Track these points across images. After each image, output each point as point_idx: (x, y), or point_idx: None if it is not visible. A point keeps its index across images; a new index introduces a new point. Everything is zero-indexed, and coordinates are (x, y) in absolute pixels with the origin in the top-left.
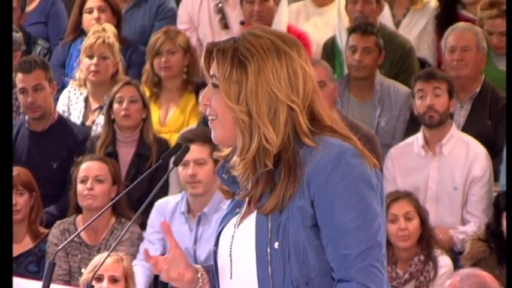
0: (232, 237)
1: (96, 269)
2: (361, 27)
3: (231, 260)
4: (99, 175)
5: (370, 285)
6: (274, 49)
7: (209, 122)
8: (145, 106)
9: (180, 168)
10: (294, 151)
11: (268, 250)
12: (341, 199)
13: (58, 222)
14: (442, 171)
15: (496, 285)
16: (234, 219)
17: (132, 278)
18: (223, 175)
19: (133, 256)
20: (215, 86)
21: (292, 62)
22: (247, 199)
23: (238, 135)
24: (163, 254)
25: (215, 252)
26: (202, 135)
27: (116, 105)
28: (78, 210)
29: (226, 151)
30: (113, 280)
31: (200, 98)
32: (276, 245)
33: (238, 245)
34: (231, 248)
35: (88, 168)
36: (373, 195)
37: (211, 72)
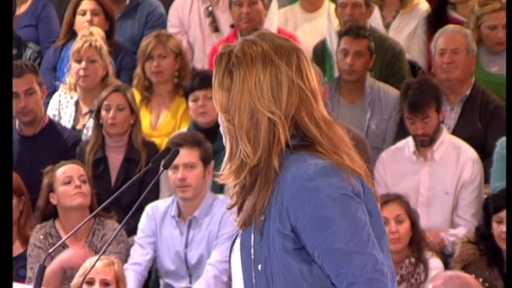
0: (233, 250)
1: (86, 272)
2: (354, 30)
3: (230, 272)
4: (82, 175)
5: None
6: (261, 58)
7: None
8: (133, 112)
9: (169, 172)
10: (270, 166)
11: (253, 273)
12: (323, 220)
13: (38, 226)
14: (434, 177)
15: (479, 287)
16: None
17: (123, 282)
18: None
19: (121, 253)
20: None
21: (278, 72)
22: None
23: (227, 141)
24: (153, 258)
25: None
26: (191, 139)
27: (103, 112)
28: (45, 217)
29: (234, 201)
30: (104, 284)
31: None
32: (260, 267)
33: (233, 261)
34: (230, 261)
35: (70, 169)
36: (356, 206)
37: None
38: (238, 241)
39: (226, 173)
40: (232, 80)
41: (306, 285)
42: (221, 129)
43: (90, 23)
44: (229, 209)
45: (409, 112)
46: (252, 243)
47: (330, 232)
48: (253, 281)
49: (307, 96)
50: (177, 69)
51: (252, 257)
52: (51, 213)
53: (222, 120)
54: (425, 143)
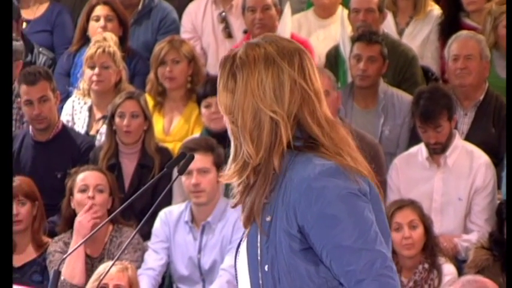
0: (238, 253)
1: (101, 277)
2: (366, 36)
3: (236, 274)
4: (99, 184)
5: None
6: (263, 59)
7: None
8: (147, 118)
9: (183, 177)
10: (268, 165)
11: (260, 274)
12: (331, 219)
13: (56, 238)
14: (447, 183)
15: None
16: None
17: (137, 287)
18: None
19: (138, 261)
20: None
21: (280, 72)
22: None
23: (232, 142)
24: (167, 263)
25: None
26: (205, 144)
27: (117, 119)
28: (70, 224)
29: (237, 200)
30: None
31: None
32: (266, 267)
33: (239, 262)
34: (236, 262)
35: (88, 177)
36: (363, 205)
37: None
38: (243, 244)
39: (229, 173)
40: (235, 82)
41: (313, 286)
42: (228, 131)
43: (104, 28)
44: (233, 207)
45: (421, 122)
46: (259, 244)
47: (338, 230)
48: (260, 281)
49: (309, 96)
50: (190, 75)
51: (259, 257)
52: (71, 215)
53: (226, 122)
54: (437, 150)
